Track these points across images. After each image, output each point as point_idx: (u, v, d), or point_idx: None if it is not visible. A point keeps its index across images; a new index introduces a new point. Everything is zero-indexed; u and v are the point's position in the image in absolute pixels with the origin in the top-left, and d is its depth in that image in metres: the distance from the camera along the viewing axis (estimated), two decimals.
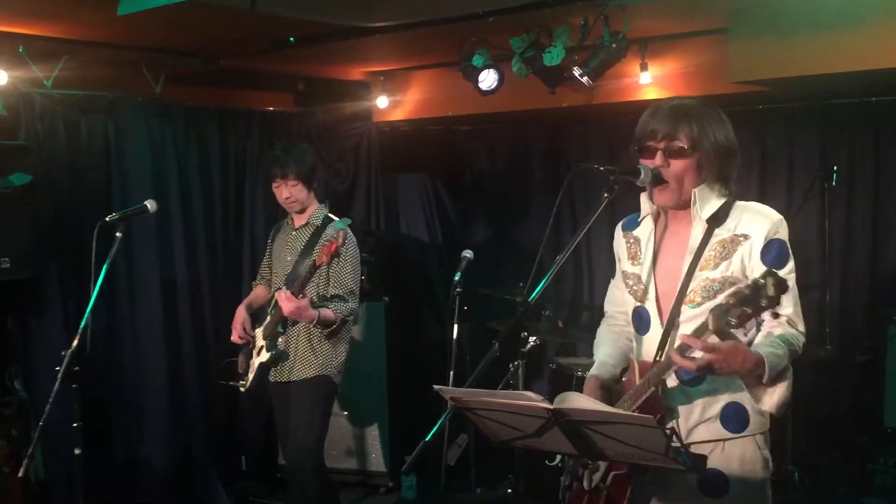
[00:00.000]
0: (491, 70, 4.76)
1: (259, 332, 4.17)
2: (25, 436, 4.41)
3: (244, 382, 4.21)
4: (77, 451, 3.38)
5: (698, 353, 2.14)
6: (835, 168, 5.03)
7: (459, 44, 4.73)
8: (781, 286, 1.98)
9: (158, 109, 5.11)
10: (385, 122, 6.18)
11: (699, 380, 2.39)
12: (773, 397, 2.25)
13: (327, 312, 3.91)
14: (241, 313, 4.22)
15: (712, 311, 2.09)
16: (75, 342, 3.28)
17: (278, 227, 4.35)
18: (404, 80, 5.93)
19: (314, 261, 3.81)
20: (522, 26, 4.42)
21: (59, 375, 3.23)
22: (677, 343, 2.29)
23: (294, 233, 4.19)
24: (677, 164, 2.38)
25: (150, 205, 3.72)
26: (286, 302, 3.80)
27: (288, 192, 4.08)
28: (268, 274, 4.35)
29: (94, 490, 3.86)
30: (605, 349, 2.71)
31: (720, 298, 2.32)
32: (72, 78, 4.61)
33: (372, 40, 4.50)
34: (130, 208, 3.77)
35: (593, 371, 2.64)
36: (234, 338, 4.19)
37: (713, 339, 2.13)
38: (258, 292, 4.37)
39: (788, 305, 2.33)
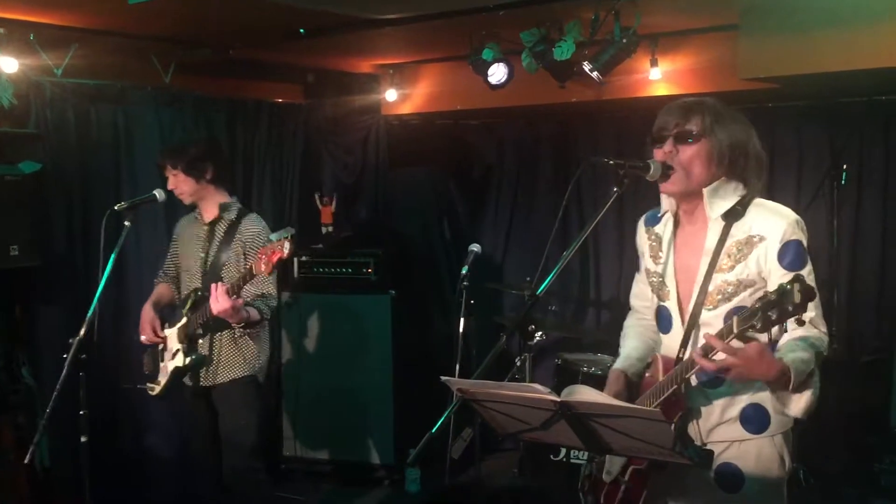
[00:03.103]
0: (501, 64, 4.75)
1: (171, 333, 3.93)
2: (32, 423, 4.42)
3: (154, 385, 3.98)
4: (83, 439, 3.40)
5: (721, 355, 2.12)
6: (844, 167, 5.01)
7: (469, 37, 4.72)
8: (808, 293, 1.95)
9: (168, 99, 5.11)
10: (394, 116, 6.17)
11: (719, 381, 2.38)
12: (800, 403, 2.21)
13: (254, 312, 3.75)
14: (148, 313, 3.99)
15: (737, 314, 2.07)
16: (83, 330, 3.29)
17: (184, 221, 4.11)
18: (413, 73, 5.92)
19: (251, 267, 3.51)
20: (533, 20, 4.41)
21: (67, 363, 3.25)
22: (701, 343, 2.28)
23: (205, 227, 3.94)
24: (686, 150, 2.36)
25: (159, 194, 3.74)
26: (222, 299, 3.53)
27: (173, 182, 3.88)
28: (172, 271, 4.15)
29: (100, 478, 3.87)
30: (632, 342, 2.70)
31: (735, 301, 2.33)
32: (82, 66, 4.60)
33: (382, 33, 4.49)
34: (139, 197, 3.79)
35: (618, 364, 2.64)
36: (144, 339, 3.98)
37: (737, 343, 2.10)
38: (161, 290, 4.13)
39: (811, 309, 2.28)
